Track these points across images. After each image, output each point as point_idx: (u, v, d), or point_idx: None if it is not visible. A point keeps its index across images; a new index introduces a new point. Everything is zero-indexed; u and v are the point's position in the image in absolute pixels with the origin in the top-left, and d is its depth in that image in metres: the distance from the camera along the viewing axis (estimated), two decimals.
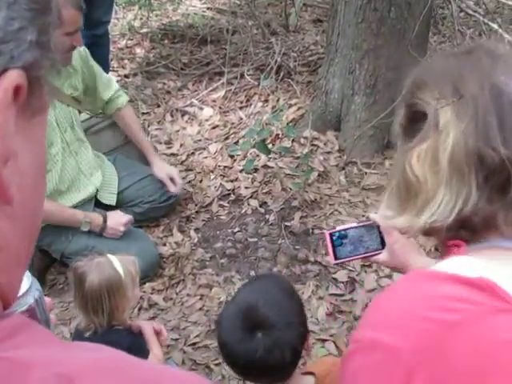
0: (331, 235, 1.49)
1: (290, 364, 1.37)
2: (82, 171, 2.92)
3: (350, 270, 2.87)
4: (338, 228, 1.52)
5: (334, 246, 1.49)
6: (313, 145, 3.52)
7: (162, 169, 3.16)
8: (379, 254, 1.51)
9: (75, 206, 2.88)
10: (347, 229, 1.51)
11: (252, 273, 2.91)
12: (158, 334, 1.97)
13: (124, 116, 3.20)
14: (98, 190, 3.00)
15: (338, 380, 1.41)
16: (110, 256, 1.87)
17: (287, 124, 3.64)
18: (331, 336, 2.58)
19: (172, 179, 3.12)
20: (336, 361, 1.74)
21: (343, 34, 3.33)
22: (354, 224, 1.53)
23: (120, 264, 1.83)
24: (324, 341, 2.57)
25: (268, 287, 1.50)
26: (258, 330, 1.32)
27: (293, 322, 1.39)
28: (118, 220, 2.87)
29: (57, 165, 2.77)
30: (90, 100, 3.09)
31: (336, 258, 1.50)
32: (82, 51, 2.91)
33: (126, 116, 3.21)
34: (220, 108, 4.02)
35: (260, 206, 3.25)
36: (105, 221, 2.85)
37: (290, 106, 3.83)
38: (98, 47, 3.90)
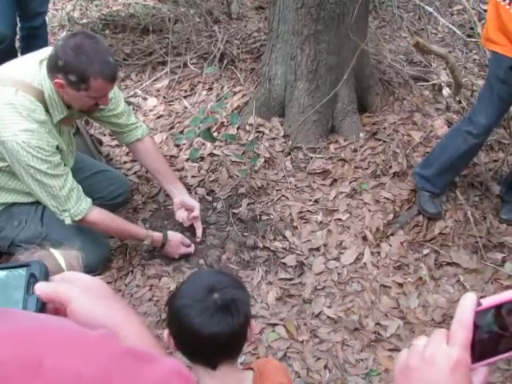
0: (476, 316, 0.71)
1: (240, 334, 1.43)
2: None
3: (298, 254, 2.90)
4: (486, 303, 0.72)
5: (477, 334, 0.71)
6: (258, 131, 3.53)
7: (182, 197, 3.02)
8: None
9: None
10: (502, 304, 0.71)
11: (201, 261, 2.91)
12: None
13: (146, 146, 3.01)
14: None
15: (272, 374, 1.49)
16: (51, 250, 1.82)
17: (232, 111, 3.63)
18: (281, 320, 2.61)
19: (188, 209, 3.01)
20: (268, 360, 1.98)
21: (284, 20, 3.34)
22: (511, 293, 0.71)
23: (62, 257, 1.79)
24: (274, 325, 2.59)
25: (216, 270, 1.68)
26: (215, 292, 1.39)
27: (244, 287, 1.53)
28: (174, 251, 2.89)
29: None
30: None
31: (480, 358, 0.71)
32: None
33: (148, 147, 3.02)
34: (164, 98, 3.98)
35: (207, 194, 3.24)
36: (163, 246, 2.86)
37: (235, 93, 3.82)
38: (35, 39, 3.83)
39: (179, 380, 0.62)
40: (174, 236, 2.90)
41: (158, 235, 2.86)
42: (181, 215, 3.02)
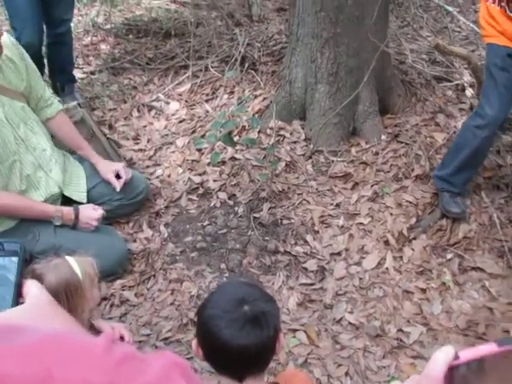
0: (453, 370, 0.66)
1: (268, 347, 1.41)
2: (42, 167, 2.84)
3: (320, 259, 2.89)
4: (464, 356, 0.66)
5: None
6: (279, 135, 3.52)
7: (108, 168, 3.05)
8: None
9: None
10: (481, 358, 0.64)
11: (222, 266, 2.92)
12: (121, 338, 1.99)
13: (58, 124, 3.05)
14: (61, 189, 2.95)
15: None
16: (67, 257, 1.85)
17: (253, 115, 3.63)
18: (302, 326, 2.60)
19: (118, 176, 3.04)
20: (295, 372, 1.93)
21: (303, 24, 3.33)
22: (492, 346, 0.64)
23: (78, 265, 1.82)
24: (295, 331, 2.59)
25: (247, 282, 1.65)
26: (245, 304, 1.39)
27: (274, 300, 1.52)
28: (90, 215, 2.83)
29: (15, 165, 2.71)
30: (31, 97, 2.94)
31: None
32: (19, 48, 2.80)
33: (61, 123, 3.06)
34: (186, 102, 4.00)
35: (229, 199, 3.25)
36: (76, 216, 2.81)
37: (255, 96, 3.82)
38: (61, 45, 3.87)
39: (177, 369, 0.64)
40: (85, 206, 2.87)
41: (68, 208, 2.82)
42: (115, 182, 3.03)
